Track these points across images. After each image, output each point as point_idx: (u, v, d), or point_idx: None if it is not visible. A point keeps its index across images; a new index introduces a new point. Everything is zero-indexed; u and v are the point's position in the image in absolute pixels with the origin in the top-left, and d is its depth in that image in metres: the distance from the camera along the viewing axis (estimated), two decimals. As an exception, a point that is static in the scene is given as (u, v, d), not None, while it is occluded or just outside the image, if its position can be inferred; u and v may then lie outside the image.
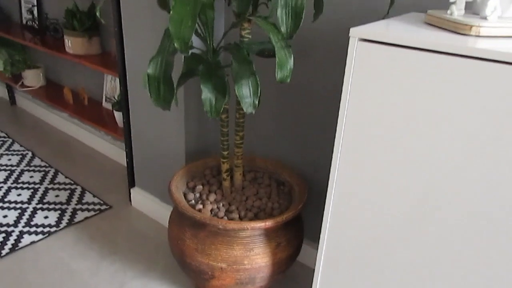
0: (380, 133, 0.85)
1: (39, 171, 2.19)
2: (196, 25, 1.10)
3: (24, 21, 2.63)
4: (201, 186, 1.38)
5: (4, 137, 2.55)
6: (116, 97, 2.15)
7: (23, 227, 1.75)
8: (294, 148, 1.53)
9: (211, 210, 1.28)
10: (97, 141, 2.45)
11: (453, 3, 0.86)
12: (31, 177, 2.13)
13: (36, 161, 2.28)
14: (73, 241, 1.69)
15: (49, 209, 1.87)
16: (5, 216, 1.81)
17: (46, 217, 1.82)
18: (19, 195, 1.97)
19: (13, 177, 2.11)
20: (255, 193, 1.37)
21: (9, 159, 2.29)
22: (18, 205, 1.89)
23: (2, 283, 1.47)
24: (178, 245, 1.27)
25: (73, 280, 1.50)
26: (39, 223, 1.77)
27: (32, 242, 1.67)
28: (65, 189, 2.03)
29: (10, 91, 3.02)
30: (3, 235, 1.69)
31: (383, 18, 1.18)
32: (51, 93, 2.46)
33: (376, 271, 0.96)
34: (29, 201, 1.92)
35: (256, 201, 1.33)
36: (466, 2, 0.95)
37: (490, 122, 0.73)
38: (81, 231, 1.76)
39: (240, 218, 1.26)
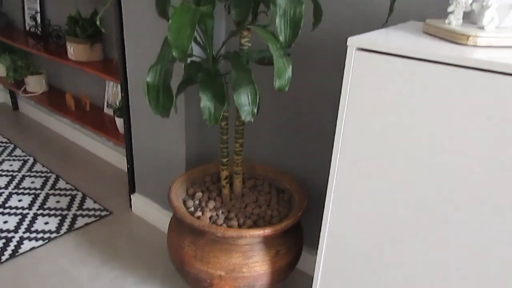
0: (378, 141, 0.85)
1: (40, 176, 2.20)
2: (196, 33, 1.11)
3: (27, 28, 2.65)
4: (200, 193, 1.38)
5: (6, 142, 2.56)
6: (117, 104, 2.16)
7: (23, 233, 1.75)
8: (294, 155, 1.53)
9: (210, 218, 1.28)
10: (98, 147, 2.46)
11: (451, 12, 0.86)
12: (32, 182, 2.13)
13: (38, 167, 2.29)
14: (73, 247, 1.70)
15: (49, 215, 1.88)
16: (5, 222, 1.81)
17: (46, 223, 1.82)
18: (20, 200, 1.98)
19: (14, 183, 2.12)
20: (254, 200, 1.37)
21: (11, 165, 2.30)
22: (19, 211, 1.89)
23: (1, 289, 1.48)
24: (177, 253, 1.27)
25: (73, 286, 1.50)
26: (39, 229, 1.78)
27: (32, 248, 1.67)
28: (66, 195, 2.04)
29: (13, 97, 3.03)
30: (3, 241, 1.70)
31: (382, 27, 1.19)
32: (53, 99, 2.48)
33: (374, 278, 0.96)
34: (29, 207, 1.93)
35: (256, 208, 1.33)
36: (464, 12, 0.95)
37: (487, 131, 0.73)
38: (81, 237, 1.76)
39: (239, 226, 1.26)
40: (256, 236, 1.17)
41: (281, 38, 0.91)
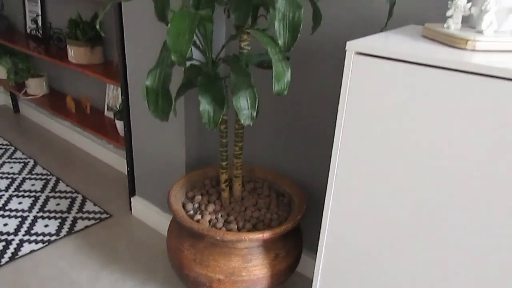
0: (376, 145, 0.85)
1: (41, 179, 2.20)
2: (195, 37, 1.11)
3: (28, 30, 2.66)
4: (200, 196, 1.38)
5: (7, 145, 2.57)
6: (118, 106, 2.16)
7: (23, 235, 1.75)
8: (294, 158, 1.53)
9: (210, 221, 1.28)
10: (99, 149, 2.46)
11: (450, 17, 0.86)
12: (33, 185, 2.14)
13: (38, 169, 2.29)
14: (73, 250, 1.70)
15: (49, 218, 1.88)
16: (5, 225, 1.81)
17: (46, 226, 1.82)
18: (20, 203, 1.98)
19: (14, 185, 2.12)
20: (254, 203, 1.37)
21: (11, 167, 2.30)
22: (19, 214, 1.90)
23: (1, 292, 1.48)
24: (176, 256, 1.27)
25: (72, 290, 1.50)
26: (39, 232, 1.78)
27: (32, 251, 1.67)
28: (66, 198, 2.04)
29: (14, 99, 3.04)
30: (3, 243, 1.70)
31: (381, 31, 1.19)
32: (54, 101, 2.48)
33: (374, 280, 0.96)
34: (29, 210, 1.93)
35: (255, 211, 1.33)
36: (463, 16, 0.95)
37: (486, 136, 0.72)
38: (81, 240, 1.76)
39: (239, 229, 1.26)
40: (255, 239, 1.17)
41: (280, 42, 0.91)
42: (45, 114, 2.82)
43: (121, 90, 1.73)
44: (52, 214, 1.90)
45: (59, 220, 1.86)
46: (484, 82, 0.70)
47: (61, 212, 1.93)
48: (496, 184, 0.74)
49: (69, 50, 2.07)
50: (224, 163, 1.30)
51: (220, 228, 1.26)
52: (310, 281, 1.59)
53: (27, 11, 2.64)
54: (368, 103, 0.84)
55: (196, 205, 1.36)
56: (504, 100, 0.69)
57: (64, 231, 1.79)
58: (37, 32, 2.56)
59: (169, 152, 1.65)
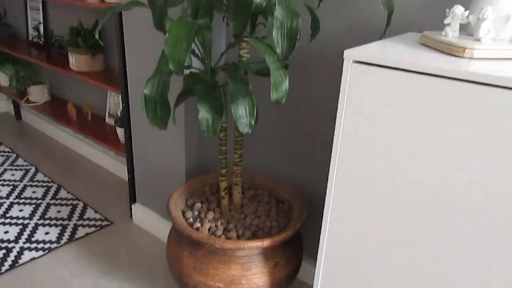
0: (375, 152, 0.85)
1: (42, 186, 2.20)
2: (194, 45, 1.11)
3: (30, 38, 2.68)
4: (199, 204, 1.38)
5: (9, 152, 2.58)
6: (119, 113, 2.17)
7: (24, 243, 1.75)
8: (293, 165, 1.53)
9: (209, 229, 1.28)
10: (100, 156, 2.46)
11: (448, 24, 0.86)
12: (34, 192, 2.14)
13: (39, 176, 2.30)
14: (73, 258, 1.69)
15: (50, 225, 1.88)
16: (6, 232, 1.81)
17: (47, 233, 1.82)
18: (21, 210, 1.98)
19: (15, 192, 2.13)
20: (254, 211, 1.37)
21: (13, 174, 2.31)
22: (20, 221, 1.90)
23: (1, 300, 1.48)
24: (176, 264, 1.27)
25: (72, 298, 1.50)
26: (39, 239, 1.78)
27: (33, 259, 1.67)
28: (67, 205, 2.04)
29: (16, 106, 3.05)
30: (4, 251, 1.70)
31: (380, 39, 1.19)
32: (56, 108, 2.49)
33: (374, 287, 0.95)
34: (30, 217, 1.93)
35: (255, 219, 1.33)
36: (461, 24, 0.95)
37: (484, 144, 0.72)
38: (82, 248, 1.76)
39: (238, 237, 1.26)
40: (255, 247, 1.16)
41: (278, 50, 0.91)
42: (47, 121, 2.83)
43: (121, 97, 1.73)
44: (53, 222, 1.90)
45: (60, 228, 1.86)
46: (481, 90, 0.70)
47: (62, 219, 1.93)
48: (494, 190, 0.73)
49: (70, 57, 2.08)
50: (223, 171, 1.30)
51: (219, 236, 1.25)
52: (310, 289, 1.58)
53: (29, 19, 2.66)
54: (366, 111, 0.84)
55: (196, 212, 1.36)
56: (502, 108, 0.69)
57: (64, 239, 1.79)
58: (39, 40, 2.57)
59: (170, 159, 1.65)
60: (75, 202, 2.07)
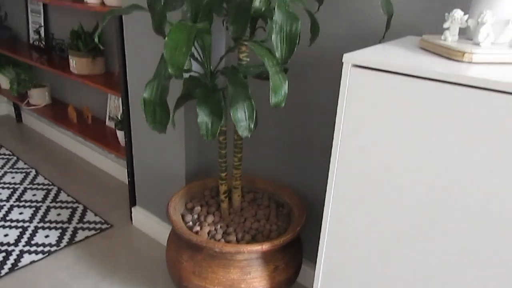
0: (374, 155, 0.85)
1: (42, 189, 2.20)
2: (194, 49, 1.11)
3: (31, 41, 2.68)
4: (199, 207, 1.38)
5: (9, 154, 2.58)
6: (119, 116, 2.17)
7: (24, 246, 1.75)
8: (293, 169, 1.53)
9: (209, 232, 1.28)
10: (100, 159, 2.46)
11: (447, 29, 0.86)
12: (34, 195, 2.14)
13: (40, 179, 2.30)
14: (73, 261, 1.69)
15: (50, 228, 1.88)
16: (6, 235, 1.81)
17: (46, 236, 1.82)
18: (21, 213, 1.98)
19: (16, 195, 2.13)
20: (253, 214, 1.37)
21: (13, 177, 2.31)
22: (20, 224, 1.90)
23: (0, 303, 1.47)
24: (175, 267, 1.26)
25: (71, 301, 1.50)
26: (39, 242, 1.78)
27: (32, 262, 1.67)
28: (67, 208, 2.04)
29: (17, 109, 3.06)
30: (3, 254, 1.70)
31: (380, 42, 1.19)
32: (56, 111, 2.49)
33: (372, 297, 0.95)
34: (30, 220, 1.93)
35: (254, 223, 1.32)
36: (460, 28, 0.95)
37: (483, 149, 0.72)
38: (82, 251, 1.75)
39: (238, 241, 1.26)
40: (254, 251, 1.16)
41: (277, 54, 0.91)
42: (47, 123, 2.84)
43: (121, 100, 1.73)
44: (53, 225, 1.90)
45: (60, 231, 1.86)
46: (480, 95, 0.70)
47: (62, 222, 1.92)
48: (494, 194, 0.73)
49: (70, 60, 2.08)
50: (223, 174, 1.30)
51: (219, 240, 1.25)
52: (310, 293, 1.58)
53: (30, 22, 2.66)
54: (366, 115, 0.84)
55: (196, 216, 1.35)
56: (501, 113, 0.69)
57: (64, 242, 1.79)
58: (39, 43, 2.58)
59: (170, 162, 1.65)
60: (75, 205, 2.07)
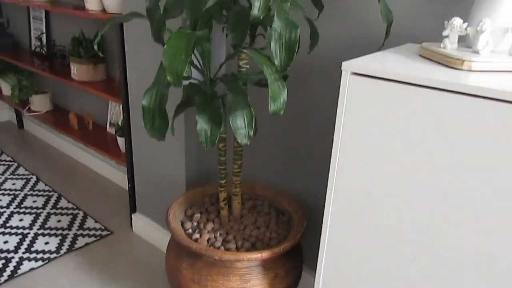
0: (373, 163, 0.85)
1: (42, 195, 2.20)
2: (193, 56, 1.11)
3: (33, 48, 2.69)
4: (199, 215, 1.38)
5: (10, 161, 2.58)
6: (120, 123, 2.17)
7: (23, 253, 1.75)
8: (293, 176, 1.52)
9: (208, 240, 1.27)
10: (101, 165, 2.46)
11: (446, 36, 0.86)
12: (34, 201, 2.14)
13: (40, 185, 2.30)
14: (73, 268, 1.69)
15: (50, 235, 1.87)
16: (5, 242, 1.81)
17: (46, 243, 1.81)
18: (21, 220, 1.98)
19: (16, 202, 2.13)
20: (253, 222, 1.36)
21: (14, 184, 2.31)
22: (20, 231, 1.89)
23: (-1, 311, 1.47)
24: (175, 275, 1.26)
25: (70, 309, 1.49)
26: (39, 249, 1.77)
27: (32, 269, 1.66)
28: (67, 214, 2.04)
29: (18, 115, 3.06)
30: (3, 261, 1.69)
31: (379, 50, 1.19)
32: (57, 117, 2.50)
33: (372, 306, 0.94)
34: (30, 227, 1.92)
35: (254, 230, 1.32)
36: (460, 36, 0.95)
37: (482, 157, 0.72)
38: (82, 258, 1.75)
39: (237, 248, 1.25)
40: (254, 259, 1.15)
41: (276, 62, 0.91)
42: (49, 130, 2.84)
43: (122, 107, 1.74)
44: (53, 231, 1.90)
45: (60, 237, 1.86)
46: (480, 103, 0.69)
47: (62, 229, 1.92)
48: (494, 203, 0.72)
49: (71, 67, 2.09)
50: (223, 181, 1.30)
51: (218, 247, 1.24)
52: (311, 300, 1.57)
53: (32, 28, 2.67)
54: (365, 122, 0.83)
55: (195, 223, 1.35)
56: (500, 121, 0.68)
57: (64, 249, 1.78)
58: (41, 50, 2.59)
59: (170, 169, 1.65)
60: (76, 211, 2.06)
